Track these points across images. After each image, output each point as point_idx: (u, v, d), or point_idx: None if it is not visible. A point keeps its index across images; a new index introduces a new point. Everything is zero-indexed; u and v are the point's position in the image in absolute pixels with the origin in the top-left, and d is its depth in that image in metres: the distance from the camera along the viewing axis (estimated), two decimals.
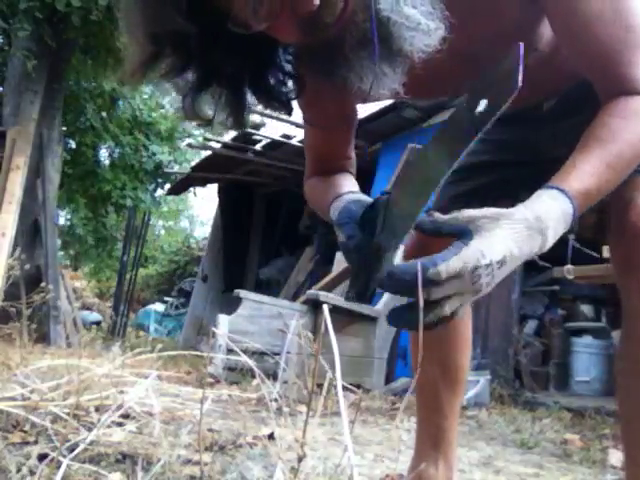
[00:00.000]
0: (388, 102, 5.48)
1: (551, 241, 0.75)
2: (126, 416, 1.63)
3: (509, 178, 1.19)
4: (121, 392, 1.66)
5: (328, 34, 0.76)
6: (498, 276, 0.71)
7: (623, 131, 0.81)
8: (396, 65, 0.77)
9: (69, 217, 8.67)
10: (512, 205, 0.75)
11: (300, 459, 0.74)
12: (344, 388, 0.84)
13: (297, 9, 0.73)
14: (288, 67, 0.87)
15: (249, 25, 0.74)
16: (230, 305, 4.52)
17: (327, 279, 4.78)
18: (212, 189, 9.44)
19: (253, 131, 6.93)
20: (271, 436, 1.78)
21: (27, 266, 3.90)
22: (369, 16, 0.73)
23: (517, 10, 0.88)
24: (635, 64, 0.82)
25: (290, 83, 0.88)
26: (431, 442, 1.25)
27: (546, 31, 0.95)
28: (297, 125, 6.40)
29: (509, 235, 0.71)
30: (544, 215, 0.73)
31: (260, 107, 0.88)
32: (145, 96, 7.77)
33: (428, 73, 0.83)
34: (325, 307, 0.85)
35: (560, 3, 0.83)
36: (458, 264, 0.68)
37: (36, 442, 1.38)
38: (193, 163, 8.57)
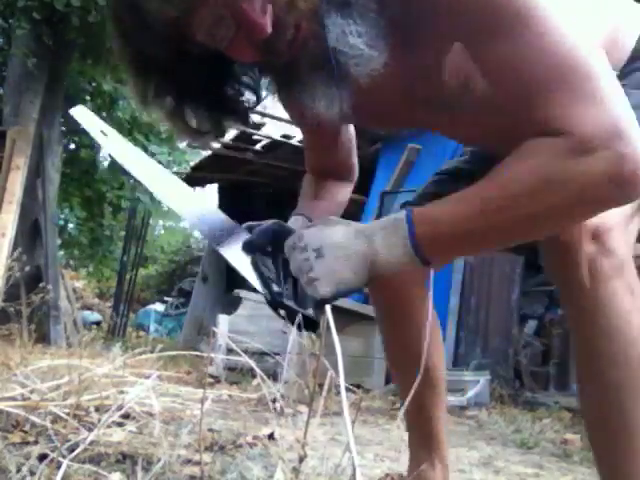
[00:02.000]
0: None
1: (382, 248, 0.83)
2: (126, 416, 1.63)
3: None
4: (121, 392, 1.66)
5: (282, 58, 0.83)
6: (321, 266, 0.83)
7: (501, 170, 0.79)
8: (343, 88, 0.84)
9: (65, 217, 8.65)
10: None
11: (301, 459, 0.74)
12: (344, 388, 0.84)
13: (250, 35, 0.80)
14: (246, 79, 0.94)
15: (207, 46, 0.83)
16: (230, 305, 4.52)
17: None
18: (212, 189, 9.45)
19: (253, 131, 6.92)
20: (271, 436, 1.78)
21: (27, 268, 3.89)
22: (320, 45, 0.81)
23: (457, 63, 0.87)
24: (548, 106, 0.76)
25: (248, 94, 0.96)
26: (424, 445, 1.26)
27: None
28: None
29: (333, 231, 0.84)
30: (374, 223, 0.85)
31: (216, 117, 0.94)
32: None
33: (382, 107, 0.96)
34: (327, 307, 0.85)
35: (486, 48, 0.79)
36: (289, 242, 0.86)
37: (36, 442, 1.38)
38: (193, 163, 8.57)
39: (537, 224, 0.80)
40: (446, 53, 0.85)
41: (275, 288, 0.87)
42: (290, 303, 0.86)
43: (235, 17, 0.79)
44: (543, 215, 0.78)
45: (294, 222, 1.11)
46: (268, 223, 0.96)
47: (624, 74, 0.98)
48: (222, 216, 0.97)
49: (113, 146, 1.01)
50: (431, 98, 0.94)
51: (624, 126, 0.74)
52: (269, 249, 0.91)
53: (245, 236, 0.93)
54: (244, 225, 0.97)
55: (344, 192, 1.27)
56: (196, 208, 0.98)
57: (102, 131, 1.00)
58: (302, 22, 0.81)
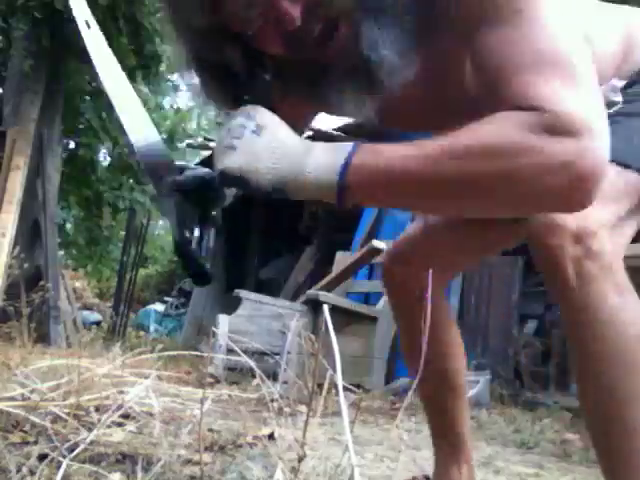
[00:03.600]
0: None
1: (313, 164, 0.76)
2: (126, 416, 1.63)
3: None
4: (121, 392, 1.66)
5: (308, 54, 0.83)
6: (249, 141, 0.77)
7: (462, 128, 0.75)
8: (372, 94, 0.84)
9: (63, 217, 8.64)
10: None
11: (300, 459, 0.74)
12: (344, 388, 0.84)
13: (279, 25, 0.80)
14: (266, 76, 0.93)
15: (241, 28, 0.83)
16: (230, 305, 4.52)
17: (327, 279, 4.78)
18: None
19: None
20: (271, 436, 1.77)
21: (26, 265, 3.89)
22: (354, 49, 0.81)
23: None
24: (527, 85, 0.74)
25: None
26: (448, 448, 1.27)
27: None
28: None
29: (285, 127, 0.81)
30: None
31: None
32: (144, 97, 7.77)
33: (400, 108, 0.93)
34: (325, 307, 0.85)
35: (481, 36, 0.79)
36: (241, 108, 0.83)
37: (36, 442, 1.38)
38: (193, 163, 8.56)
39: (478, 190, 0.74)
40: (464, 56, 0.85)
41: (186, 234, 0.85)
42: (193, 252, 0.85)
43: (266, 4, 0.79)
44: (487, 181, 0.73)
45: None
46: (201, 170, 0.93)
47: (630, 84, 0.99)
48: (164, 148, 0.96)
49: (91, 40, 1.00)
50: (448, 102, 0.93)
51: (594, 121, 0.72)
52: (193, 195, 0.88)
53: (177, 175, 0.91)
54: (177, 164, 0.95)
55: None
56: (145, 134, 0.95)
57: (87, 22, 1.00)
58: (336, 22, 0.80)
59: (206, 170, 0.93)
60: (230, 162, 0.77)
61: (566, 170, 0.70)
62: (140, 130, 0.95)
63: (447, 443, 1.28)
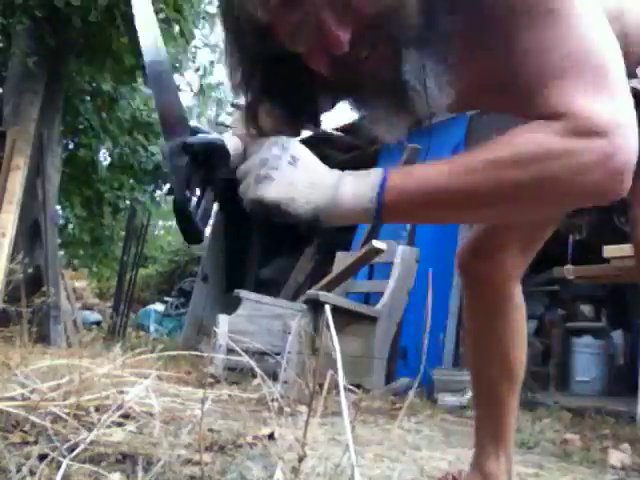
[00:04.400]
0: None
1: (347, 191, 0.82)
2: (126, 416, 1.63)
3: None
4: (121, 392, 1.66)
5: (352, 76, 0.85)
6: (286, 171, 0.82)
7: (494, 140, 0.80)
8: (405, 117, 0.87)
9: (66, 217, 8.64)
10: None
11: (301, 459, 0.74)
12: (344, 388, 0.84)
13: (328, 48, 0.82)
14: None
15: (291, 48, 0.86)
16: (230, 305, 4.52)
17: (327, 279, 4.78)
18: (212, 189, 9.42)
19: None
20: (271, 436, 1.77)
21: (30, 270, 3.89)
22: (393, 74, 0.83)
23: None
24: (558, 91, 0.79)
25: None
26: (492, 438, 1.31)
27: None
28: None
29: (315, 158, 0.86)
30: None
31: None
32: (145, 96, 7.77)
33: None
34: (327, 307, 0.85)
35: (502, 36, 0.83)
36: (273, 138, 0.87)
37: (36, 442, 1.38)
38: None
39: (518, 195, 0.79)
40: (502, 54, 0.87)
41: (187, 193, 0.87)
42: (190, 211, 0.87)
43: (317, 27, 0.81)
44: (527, 186, 0.78)
45: (228, 138, 1.05)
46: (212, 135, 0.95)
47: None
48: (179, 103, 0.97)
49: None
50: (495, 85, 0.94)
51: (624, 120, 0.77)
52: (201, 158, 0.90)
53: (188, 136, 0.92)
54: (191, 125, 0.96)
55: None
56: (161, 81, 0.97)
57: None
58: (379, 45, 0.82)
59: (217, 136, 0.96)
60: (267, 192, 0.81)
61: (600, 168, 0.76)
62: (156, 81, 0.97)
63: (491, 432, 1.31)
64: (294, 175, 0.82)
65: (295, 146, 0.85)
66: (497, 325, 1.25)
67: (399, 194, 0.80)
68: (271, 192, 0.81)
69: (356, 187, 0.82)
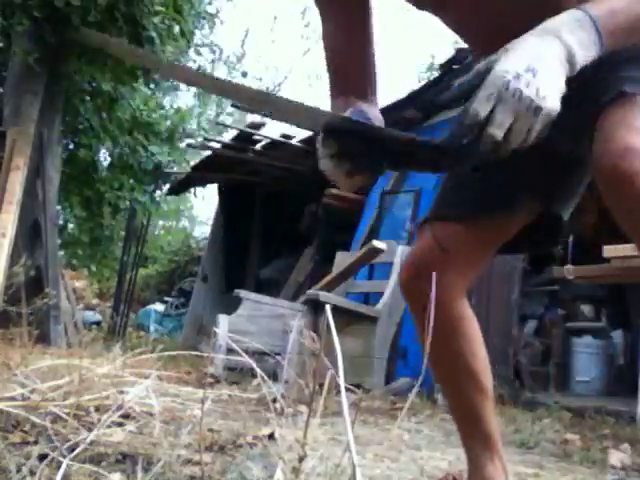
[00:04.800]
0: (389, 101, 5.48)
1: (574, 44, 0.83)
2: (126, 416, 1.63)
3: (517, 178, 1.16)
4: (121, 392, 1.66)
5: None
6: (542, 83, 0.79)
7: None
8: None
9: (65, 217, 8.64)
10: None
11: (301, 459, 0.74)
12: (344, 388, 0.84)
13: None
14: None
15: None
16: (230, 305, 4.52)
17: (327, 279, 4.78)
18: (212, 189, 9.45)
19: (253, 131, 6.92)
20: (271, 436, 1.77)
21: (32, 272, 3.88)
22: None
23: None
24: None
25: None
26: (479, 445, 1.28)
27: None
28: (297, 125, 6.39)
29: (520, 50, 0.82)
30: (550, 23, 0.84)
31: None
32: (145, 96, 7.76)
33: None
34: (328, 307, 0.85)
35: None
36: (485, 92, 0.80)
37: (36, 442, 1.38)
38: (193, 163, 8.56)
39: None
40: None
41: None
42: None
43: None
44: None
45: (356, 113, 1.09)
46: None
47: None
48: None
49: None
50: None
51: None
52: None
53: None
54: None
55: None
56: None
57: None
58: None
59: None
60: (554, 105, 0.81)
61: None
62: None
63: (477, 442, 1.28)
64: (546, 77, 0.81)
65: (512, 62, 0.82)
66: (452, 341, 1.23)
67: (608, 23, 0.84)
68: (555, 103, 0.81)
69: (580, 45, 0.83)
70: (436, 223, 1.21)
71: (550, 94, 0.80)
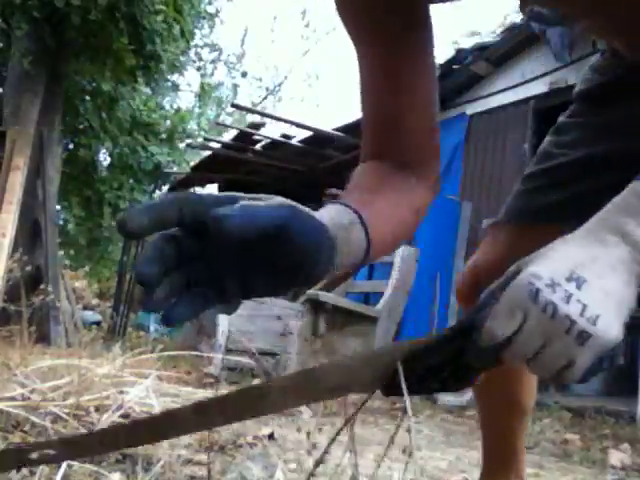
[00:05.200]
0: None
1: None
2: (126, 416, 1.63)
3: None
4: (121, 392, 1.66)
5: None
6: (593, 298, 0.53)
7: None
8: None
9: (64, 217, 8.65)
10: None
11: (317, 463, 0.74)
12: None
13: None
14: None
15: None
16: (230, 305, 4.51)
17: (327, 279, 4.78)
18: (212, 189, 9.44)
19: (253, 131, 6.93)
20: (271, 436, 1.78)
21: (28, 267, 3.89)
22: None
23: None
24: None
25: None
26: (500, 460, 1.21)
27: None
28: (297, 125, 6.40)
29: (563, 252, 0.56)
30: (606, 213, 0.57)
31: None
32: (144, 97, 7.77)
33: None
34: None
35: None
36: (505, 305, 0.54)
37: None
38: (193, 163, 8.58)
39: None
40: None
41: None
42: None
43: None
44: None
45: (329, 211, 0.66)
46: (280, 206, 0.58)
47: None
48: None
49: None
50: None
51: None
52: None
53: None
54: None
55: (418, 194, 0.79)
56: None
57: None
58: None
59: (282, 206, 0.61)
60: (615, 331, 0.56)
61: None
62: None
63: (500, 457, 1.20)
64: (598, 289, 0.54)
65: (548, 267, 0.55)
66: (505, 371, 1.15)
67: None
68: (615, 326, 0.55)
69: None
70: (514, 228, 1.04)
71: (605, 315, 0.54)
